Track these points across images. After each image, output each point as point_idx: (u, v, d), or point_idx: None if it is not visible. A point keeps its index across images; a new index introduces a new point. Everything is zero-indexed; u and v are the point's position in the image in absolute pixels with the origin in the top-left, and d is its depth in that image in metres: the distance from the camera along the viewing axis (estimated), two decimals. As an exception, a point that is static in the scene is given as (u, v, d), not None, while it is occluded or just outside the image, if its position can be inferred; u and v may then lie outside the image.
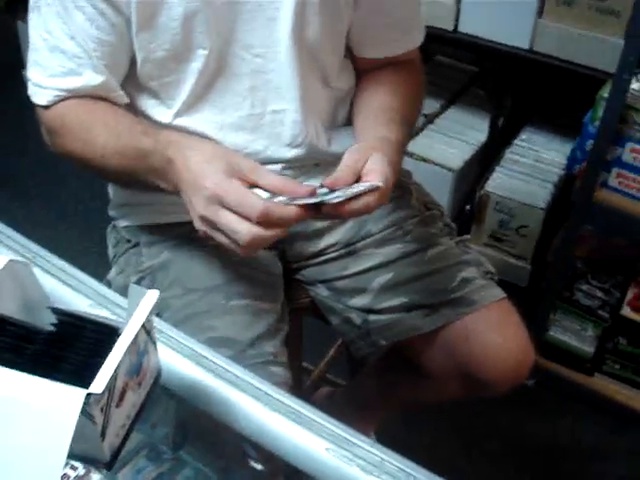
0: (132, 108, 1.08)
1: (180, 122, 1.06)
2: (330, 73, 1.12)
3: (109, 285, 1.14)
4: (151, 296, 0.70)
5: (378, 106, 1.09)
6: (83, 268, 0.90)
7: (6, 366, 0.64)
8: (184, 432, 0.86)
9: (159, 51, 1.01)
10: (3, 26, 3.22)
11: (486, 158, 2.16)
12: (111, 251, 1.20)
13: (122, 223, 1.18)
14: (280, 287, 1.15)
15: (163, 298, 1.04)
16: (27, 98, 1.05)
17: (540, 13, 1.73)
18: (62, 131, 1.02)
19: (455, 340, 1.12)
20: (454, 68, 2.37)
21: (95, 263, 1.06)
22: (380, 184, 0.87)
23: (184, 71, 1.03)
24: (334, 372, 1.59)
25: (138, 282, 1.10)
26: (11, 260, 0.73)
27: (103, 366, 0.63)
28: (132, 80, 1.06)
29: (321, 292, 1.20)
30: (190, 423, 0.88)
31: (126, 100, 1.06)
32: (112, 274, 1.16)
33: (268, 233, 0.83)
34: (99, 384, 0.62)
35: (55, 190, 2.61)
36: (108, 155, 0.98)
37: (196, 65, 1.02)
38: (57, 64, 1.00)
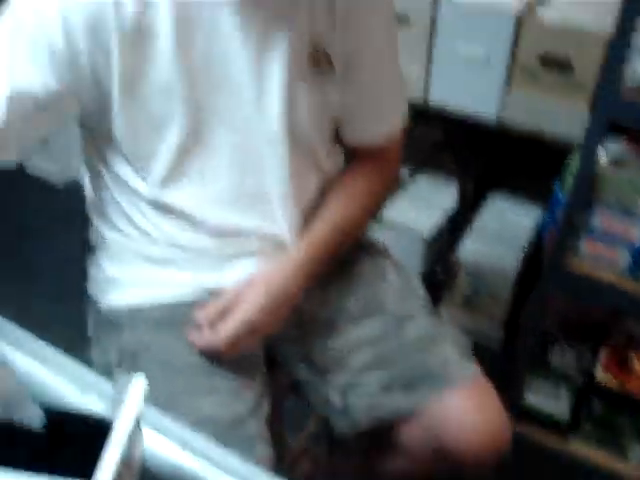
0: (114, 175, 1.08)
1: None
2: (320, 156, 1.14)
3: (90, 365, 1.12)
4: (139, 385, 0.70)
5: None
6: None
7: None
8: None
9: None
10: None
11: (456, 223, 2.19)
12: (91, 330, 1.18)
13: (104, 303, 1.16)
14: (261, 364, 1.15)
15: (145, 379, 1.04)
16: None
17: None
18: None
19: (432, 417, 1.11)
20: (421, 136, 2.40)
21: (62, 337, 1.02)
22: None
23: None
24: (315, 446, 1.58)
25: (119, 362, 1.09)
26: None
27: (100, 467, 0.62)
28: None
29: (301, 371, 1.20)
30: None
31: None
32: (93, 354, 1.15)
33: None
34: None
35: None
36: None
37: (172, 138, 1.01)
38: None
